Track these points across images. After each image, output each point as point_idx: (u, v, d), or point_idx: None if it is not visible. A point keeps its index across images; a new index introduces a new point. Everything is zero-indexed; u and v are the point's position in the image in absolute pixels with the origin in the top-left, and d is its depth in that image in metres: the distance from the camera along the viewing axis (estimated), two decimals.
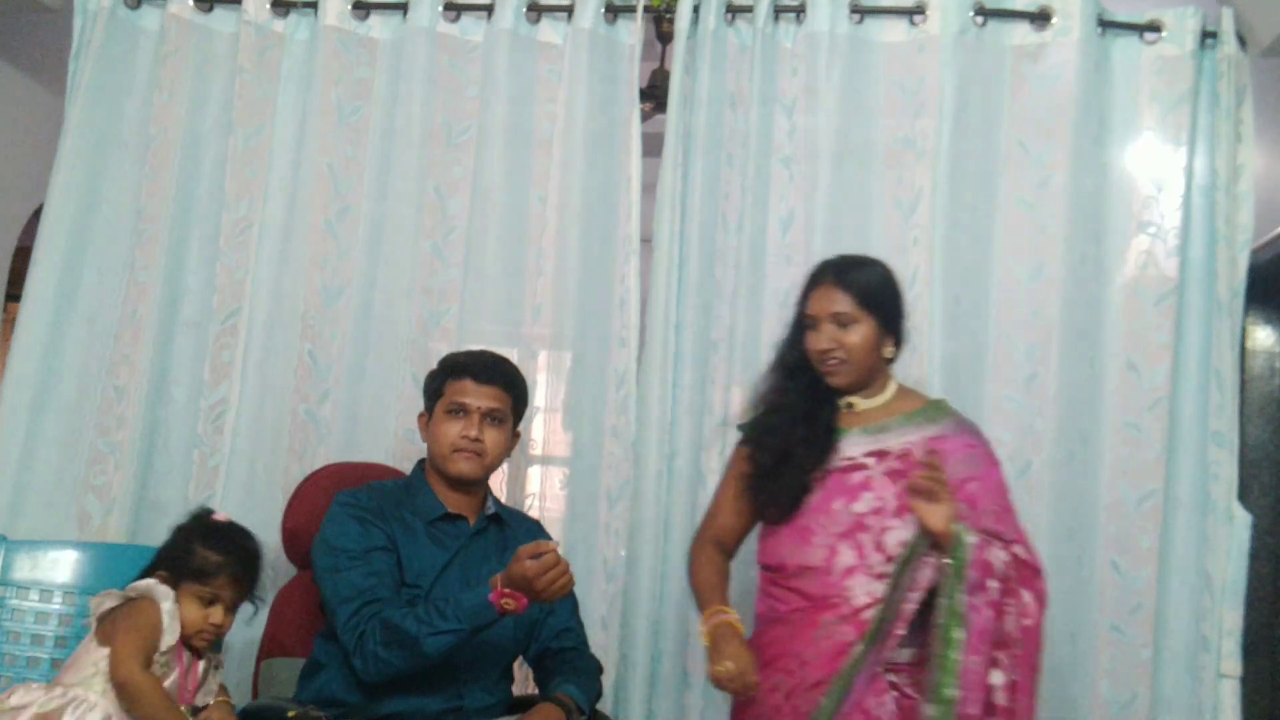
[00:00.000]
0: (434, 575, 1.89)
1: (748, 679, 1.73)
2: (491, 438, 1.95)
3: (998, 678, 1.68)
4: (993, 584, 1.71)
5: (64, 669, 1.76)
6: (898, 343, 1.89)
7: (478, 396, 1.94)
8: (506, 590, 1.70)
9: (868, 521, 1.80)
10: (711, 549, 1.97)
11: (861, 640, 1.73)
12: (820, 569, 1.81)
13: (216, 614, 1.78)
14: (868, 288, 1.86)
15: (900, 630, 1.72)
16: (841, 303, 1.84)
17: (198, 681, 1.78)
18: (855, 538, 1.80)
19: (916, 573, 1.73)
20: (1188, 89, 2.38)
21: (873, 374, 1.89)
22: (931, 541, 1.73)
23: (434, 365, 2.07)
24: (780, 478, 1.87)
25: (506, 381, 1.98)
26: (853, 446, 1.86)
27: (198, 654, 1.79)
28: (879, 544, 1.79)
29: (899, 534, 1.78)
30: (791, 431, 1.88)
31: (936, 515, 1.70)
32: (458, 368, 1.97)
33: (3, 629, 2.03)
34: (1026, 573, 1.76)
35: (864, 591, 1.77)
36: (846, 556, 1.80)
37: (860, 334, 1.84)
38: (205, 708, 1.79)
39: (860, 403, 1.90)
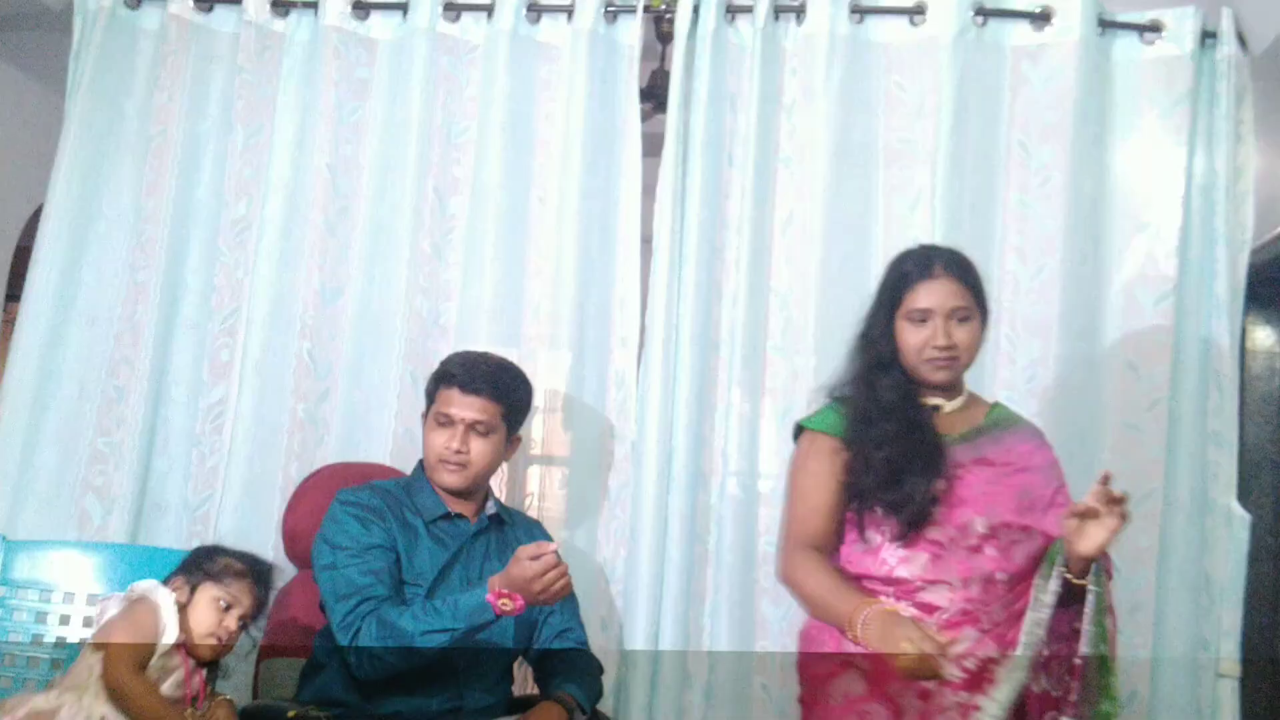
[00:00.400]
0: (435, 575, 1.88)
1: (942, 654, 1.58)
2: (477, 449, 1.91)
3: None
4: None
5: (64, 674, 1.76)
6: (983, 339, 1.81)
7: (462, 407, 1.90)
8: (504, 591, 1.70)
9: (999, 534, 1.71)
10: (815, 553, 1.79)
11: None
12: (951, 584, 1.70)
13: (231, 620, 1.78)
14: (977, 282, 1.77)
15: (1046, 651, 1.64)
16: (961, 296, 1.74)
17: (204, 682, 1.78)
18: (984, 551, 1.70)
19: (1048, 593, 1.65)
20: (1188, 89, 2.38)
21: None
22: (1066, 560, 1.64)
23: (433, 365, 2.06)
24: (901, 489, 1.73)
25: (496, 391, 1.92)
26: (959, 454, 1.75)
27: (201, 663, 1.79)
28: (1008, 557, 1.70)
29: (1026, 547, 1.70)
30: (904, 439, 1.74)
31: (1092, 538, 1.59)
32: (447, 376, 1.93)
33: (2, 629, 2.03)
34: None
35: (1001, 606, 1.68)
36: (979, 569, 1.70)
37: (973, 331, 1.76)
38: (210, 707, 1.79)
39: (947, 405, 1.80)
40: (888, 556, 1.74)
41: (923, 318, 1.75)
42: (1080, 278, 2.36)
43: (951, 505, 1.72)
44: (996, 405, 1.89)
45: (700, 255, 2.41)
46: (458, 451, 1.89)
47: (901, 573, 1.73)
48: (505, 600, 1.70)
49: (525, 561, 1.67)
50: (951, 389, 1.81)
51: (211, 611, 1.77)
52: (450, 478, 1.91)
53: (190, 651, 1.75)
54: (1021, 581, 1.69)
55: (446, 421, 1.91)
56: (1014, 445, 1.78)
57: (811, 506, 1.81)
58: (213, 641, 1.77)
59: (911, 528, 1.72)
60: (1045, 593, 1.65)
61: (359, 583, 1.80)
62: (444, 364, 1.99)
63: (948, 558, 1.70)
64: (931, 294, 1.74)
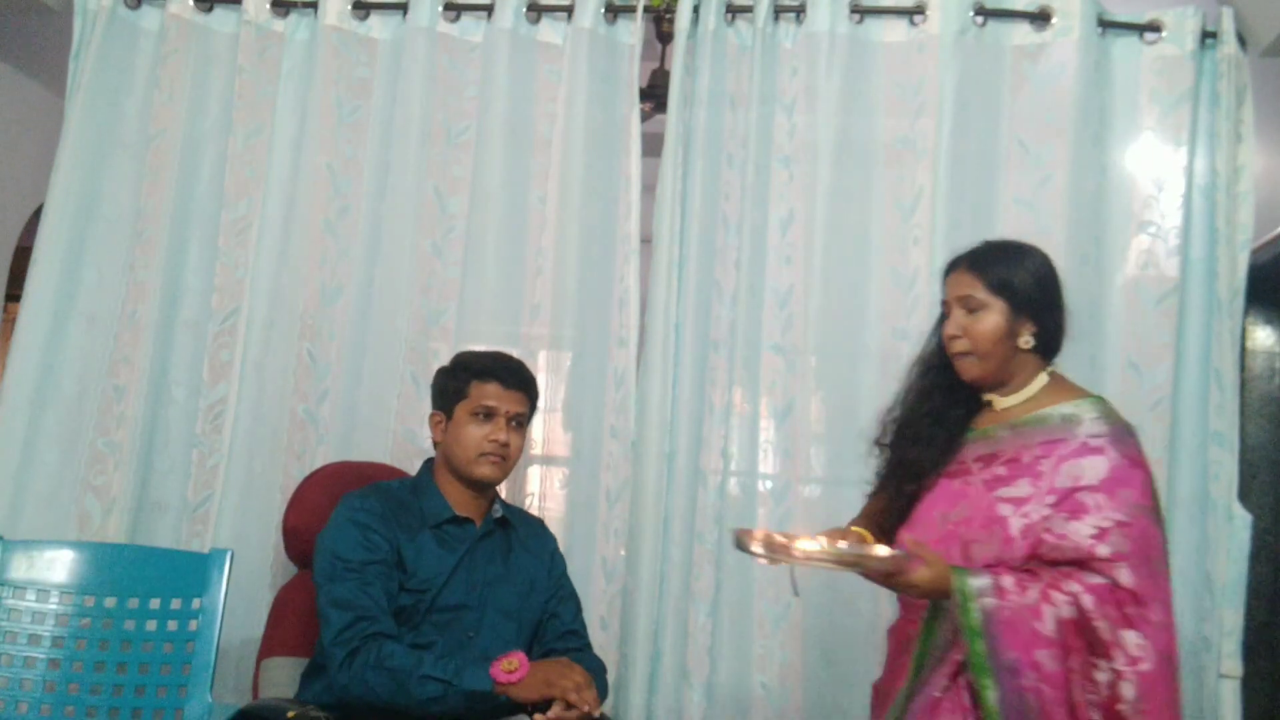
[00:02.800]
0: (442, 580, 1.88)
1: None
2: (515, 442, 1.96)
3: None
4: (1046, 655, 1.51)
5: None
6: (1040, 333, 1.68)
7: (505, 401, 1.94)
8: (507, 658, 1.73)
9: (960, 532, 1.65)
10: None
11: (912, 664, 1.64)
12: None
13: None
14: (997, 269, 1.68)
15: (943, 675, 1.60)
16: (969, 286, 1.69)
17: None
18: (946, 549, 1.63)
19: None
20: (1188, 89, 2.38)
21: (1005, 366, 1.69)
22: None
23: (433, 365, 2.06)
24: (899, 482, 1.76)
25: (530, 386, 1.99)
26: (972, 449, 1.71)
27: None
28: (966, 558, 1.63)
29: (986, 549, 1.62)
30: (916, 433, 1.75)
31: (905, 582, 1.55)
32: (485, 371, 1.96)
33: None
34: (1127, 607, 1.51)
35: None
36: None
37: (988, 321, 1.67)
38: None
39: (999, 400, 1.72)
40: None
41: (946, 312, 1.75)
42: (1080, 278, 2.35)
43: (934, 499, 1.71)
44: (1078, 400, 1.69)
45: (700, 255, 2.41)
46: (504, 444, 1.92)
47: None
48: (509, 661, 1.72)
49: (564, 685, 1.70)
50: (1007, 383, 1.71)
51: None
52: (492, 469, 1.93)
53: None
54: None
55: (488, 414, 1.93)
56: (1037, 440, 1.66)
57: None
58: None
59: (899, 521, 1.73)
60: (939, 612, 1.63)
61: (355, 600, 1.80)
62: (473, 360, 1.99)
63: (919, 553, 1.62)
64: (949, 286, 1.74)
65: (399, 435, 2.41)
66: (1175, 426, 2.32)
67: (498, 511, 2.00)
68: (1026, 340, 1.68)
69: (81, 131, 2.49)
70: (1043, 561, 1.57)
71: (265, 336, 2.42)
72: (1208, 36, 2.40)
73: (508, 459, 1.95)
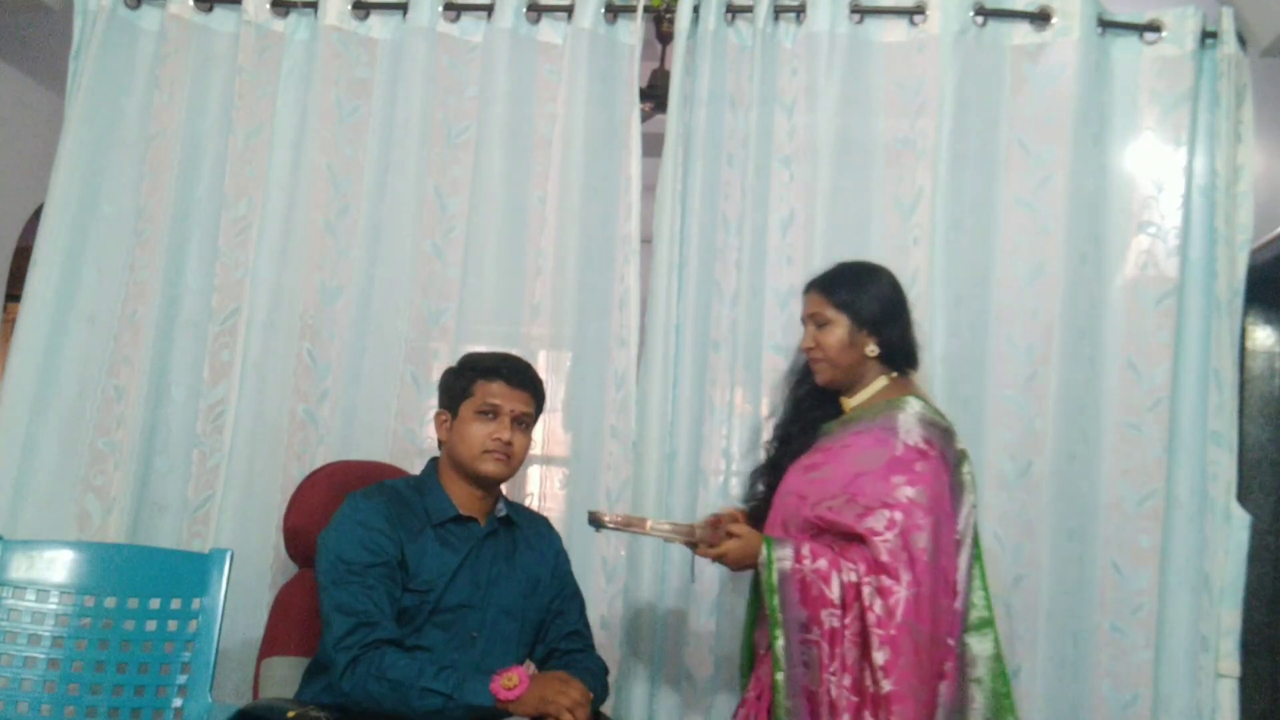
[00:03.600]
0: (445, 579, 1.88)
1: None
2: (519, 441, 1.95)
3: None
4: (828, 614, 1.75)
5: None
6: (883, 343, 1.93)
7: (510, 399, 1.94)
8: (507, 673, 1.73)
9: (781, 511, 1.92)
10: None
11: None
12: None
13: None
14: (841, 290, 1.94)
15: (765, 634, 1.82)
16: (819, 305, 1.95)
17: None
18: (773, 526, 1.92)
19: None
20: (1188, 89, 2.38)
21: (855, 372, 1.94)
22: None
23: (433, 365, 2.06)
24: (766, 476, 2.03)
25: (535, 387, 1.99)
26: (820, 443, 1.96)
27: None
28: (785, 532, 1.89)
29: (793, 524, 1.88)
30: (784, 433, 2.03)
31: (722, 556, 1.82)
32: (490, 370, 1.96)
33: None
34: (883, 578, 1.75)
35: None
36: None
37: (834, 334, 1.92)
38: None
39: (847, 401, 1.98)
40: None
41: (804, 324, 1.99)
42: (1080, 278, 2.36)
43: (782, 488, 1.95)
44: (888, 400, 1.92)
45: (700, 255, 2.41)
46: (508, 443, 1.92)
47: None
48: (509, 676, 1.72)
49: (560, 703, 1.71)
50: (854, 387, 1.96)
51: None
52: (496, 467, 1.93)
53: None
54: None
55: (493, 413, 1.93)
56: (849, 435, 1.91)
57: None
58: None
59: (762, 514, 1.98)
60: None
61: (358, 606, 1.79)
62: (479, 360, 2.00)
63: (732, 529, 1.87)
64: (805, 305, 1.99)
65: (399, 435, 2.41)
66: (1174, 427, 2.32)
67: (501, 510, 2.00)
68: (872, 349, 1.93)
69: (81, 131, 2.49)
70: (827, 535, 1.82)
71: (265, 336, 2.42)
72: (1208, 36, 2.40)
73: (512, 457, 1.94)
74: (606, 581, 2.36)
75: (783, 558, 1.78)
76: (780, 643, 1.75)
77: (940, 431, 1.88)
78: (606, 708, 2.12)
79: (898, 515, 1.77)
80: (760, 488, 2.04)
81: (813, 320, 1.96)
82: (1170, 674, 2.28)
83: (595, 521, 1.82)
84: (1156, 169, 2.40)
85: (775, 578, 1.77)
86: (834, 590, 1.75)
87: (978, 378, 2.36)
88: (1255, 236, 2.38)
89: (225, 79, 2.54)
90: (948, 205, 2.37)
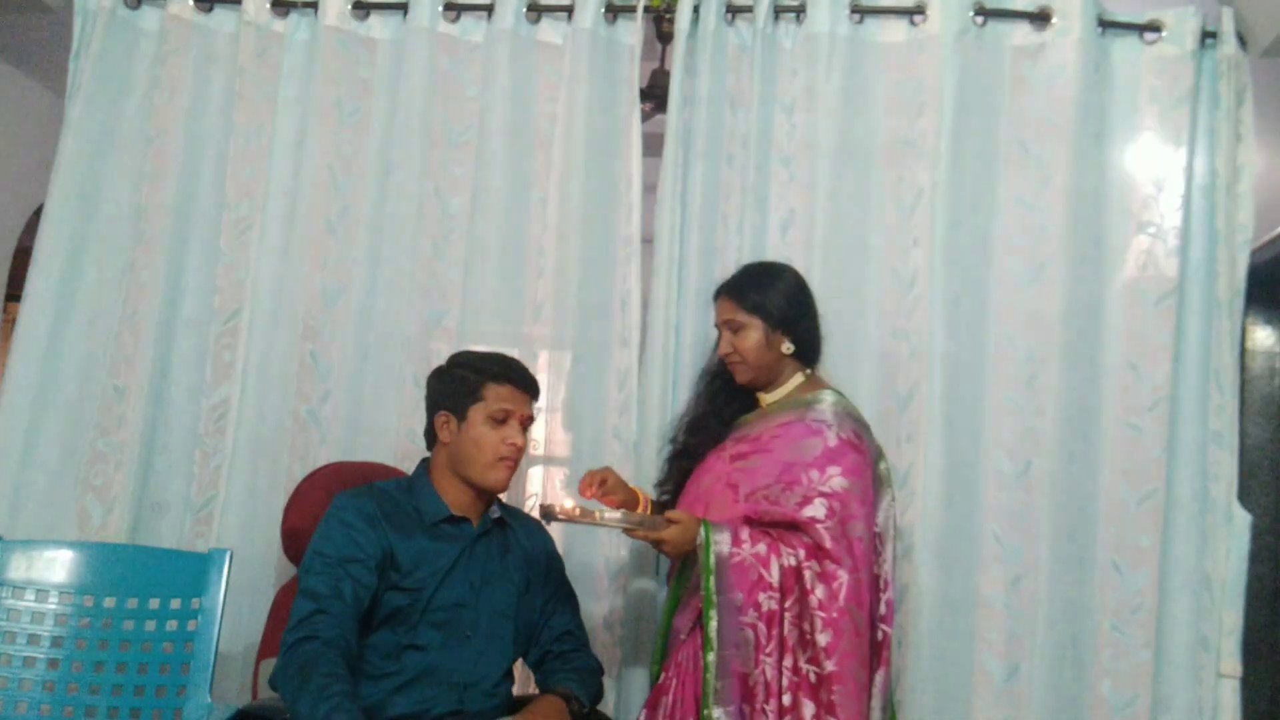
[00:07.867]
0: (437, 580, 1.87)
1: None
2: (524, 444, 1.95)
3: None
4: (766, 597, 1.81)
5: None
6: (797, 340, 2.00)
7: (520, 404, 1.93)
8: None
9: (704, 497, 1.97)
10: None
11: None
12: None
13: None
14: (750, 294, 1.99)
15: (687, 619, 1.91)
16: (731, 310, 2.01)
17: None
18: (693, 510, 1.95)
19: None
20: (1188, 89, 2.38)
21: (773, 370, 2.01)
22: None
23: (435, 365, 2.04)
24: (679, 462, 2.10)
25: (538, 389, 1.99)
26: (735, 434, 2.03)
27: None
28: (709, 517, 1.92)
29: (720, 510, 1.92)
30: (698, 425, 2.09)
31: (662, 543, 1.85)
32: (499, 374, 1.93)
33: None
34: (825, 563, 1.82)
35: None
36: None
37: (750, 338, 1.98)
38: None
39: (765, 397, 2.04)
40: None
41: (719, 332, 2.05)
42: (1080, 277, 2.36)
43: (697, 475, 2.02)
44: (812, 394, 1.99)
45: (700, 255, 2.41)
46: (521, 448, 1.92)
47: None
48: None
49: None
50: (772, 383, 2.03)
51: None
52: (508, 474, 1.93)
53: None
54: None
55: (505, 418, 1.91)
56: (774, 425, 1.97)
57: None
58: None
59: (674, 498, 2.06)
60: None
61: (320, 591, 1.78)
62: (482, 362, 1.96)
63: (672, 516, 1.91)
64: (717, 312, 2.05)
65: (401, 435, 2.41)
66: (1175, 427, 2.32)
67: (495, 511, 1.99)
68: (787, 347, 2.00)
69: (81, 131, 2.49)
70: (760, 523, 1.87)
71: (267, 337, 2.43)
72: (1208, 36, 2.40)
73: (519, 462, 1.95)
74: (608, 581, 2.36)
75: (720, 541, 1.83)
76: (714, 624, 1.80)
77: (863, 426, 1.97)
78: (606, 708, 2.12)
79: (835, 504, 1.85)
80: (677, 474, 2.09)
81: (727, 326, 2.01)
82: (1170, 674, 2.28)
83: (547, 514, 1.82)
84: (1156, 169, 2.40)
85: (713, 560, 1.82)
86: (773, 574, 1.81)
87: (977, 378, 2.36)
88: (1255, 236, 2.38)
89: (225, 79, 2.55)
90: (947, 205, 2.37)
